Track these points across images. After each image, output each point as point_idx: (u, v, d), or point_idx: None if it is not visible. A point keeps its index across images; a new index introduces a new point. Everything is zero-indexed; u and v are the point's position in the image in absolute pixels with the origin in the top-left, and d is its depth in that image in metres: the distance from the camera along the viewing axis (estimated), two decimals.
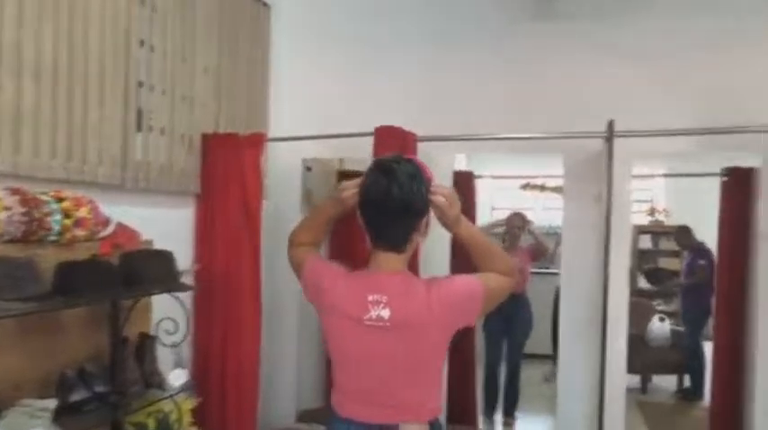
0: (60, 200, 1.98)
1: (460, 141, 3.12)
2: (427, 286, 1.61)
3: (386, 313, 1.58)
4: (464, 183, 4.22)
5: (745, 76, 2.99)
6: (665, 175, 6.16)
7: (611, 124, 2.61)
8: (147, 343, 2.20)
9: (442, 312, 1.57)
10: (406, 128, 2.71)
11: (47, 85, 2.03)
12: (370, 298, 1.60)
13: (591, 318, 2.95)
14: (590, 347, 3.01)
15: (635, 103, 3.07)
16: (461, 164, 6.42)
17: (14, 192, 1.85)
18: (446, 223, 1.67)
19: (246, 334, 2.86)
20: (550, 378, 5.06)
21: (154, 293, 2.17)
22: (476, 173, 7.24)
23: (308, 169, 3.73)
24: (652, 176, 6.26)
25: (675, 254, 5.96)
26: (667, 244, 6.20)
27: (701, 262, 4.96)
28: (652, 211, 6.65)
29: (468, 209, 4.28)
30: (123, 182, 2.37)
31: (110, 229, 2.23)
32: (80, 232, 2.04)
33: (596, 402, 2.79)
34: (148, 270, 2.12)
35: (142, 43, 2.46)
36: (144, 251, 2.19)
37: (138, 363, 2.14)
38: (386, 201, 1.59)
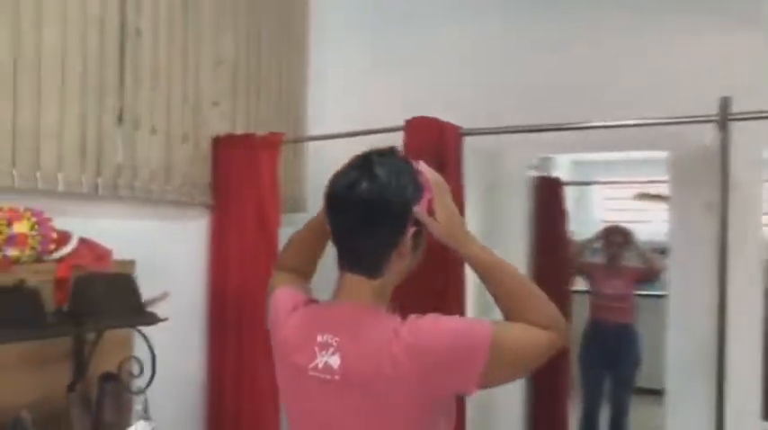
0: None
1: (527, 138, 2.48)
2: (395, 327, 1.06)
3: (335, 361, 1.09)
4: (547, 191, 3.56)
5: None
6: None
7: (724, 103, 1.89)
8: (106, 387, 1.78)
9: (412, 368, 1.02)
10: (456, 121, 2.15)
11: None
12: (319, 338, 1.12)
13: (705, 352, 2.20)
14: (706, 388, 2.24)
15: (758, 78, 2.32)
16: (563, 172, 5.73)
17: None
18: (439, 230, 1.11)
19: (262, 364, 2.39)
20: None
21: (93, 329, 1.73)
22: (582, 179, 6.54)
23: None
24: None
25: None
26: None
27: None
28: None
29: (556, 223, 3.62)
30: (94, 189, 1.98)
31: (69, 247, 1.84)
32: (15, 252, 1.66)
33: None
34: (98, 299, 1.71)
35: (123, 27, 2.07)
36: (94, 276, 1.77)
37: (90, 413, 1.72)
38: (349, 197, 1.10)
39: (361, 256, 1.13)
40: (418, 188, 1.12)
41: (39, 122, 1.81)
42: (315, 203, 2.96)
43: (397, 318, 1.09)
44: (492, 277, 1.12)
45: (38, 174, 1.81)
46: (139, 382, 1.82)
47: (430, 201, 1.14)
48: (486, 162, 2.81)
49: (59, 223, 1.83)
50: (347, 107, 3.00)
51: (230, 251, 2.45)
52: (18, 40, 1.75)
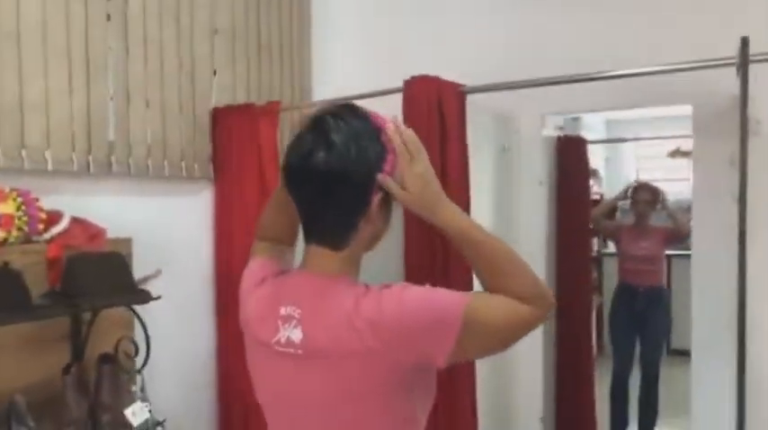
0: None
1: (542, 95, 2.34)
2: (358, 297, 0.98)
3: (297, 334, 1.01)
4: (571, 151, 3.40)
5: None
6: None
7: (743, 44, 1.73)
8: (103, 369, 1.75)
9: (376, 341, 0.94)
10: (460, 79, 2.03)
11: None
12: (282, 311, 1.04)
13: (729, 310, 2.07)
14: (729, 347, 2.13)
15: None
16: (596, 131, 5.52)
17: None
18: (409, 200, 1.02)
19: None
20: None
21: (81, 310, 1.69)
22: (614, 136, 6.30)
23: None
24: None
25: None
26: None
27: None
28: None
29: (579, 184, 3.48)
30: (85, 167, 1.94)
31: (60, 227, 1.81)
32: (0, 233, 1.63)
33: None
34: (89, 279, 1.67)
35: None
36: (86, 255, 1.73)
37: (86, 396, 1.70)
38: (305, 168, 1.01)
39: (324, 229, 1.04)
40: (381, 151, 1.01)
41: (22, 98, 1.76)
42: None
43: (362, 287, 1.01)
44: (469, 246, 1.03)
45: (23, 153, 1.77)
46: (138, 362, 1.78)
47: (393, 162, 1.04)
48: (498, 123, 2.68)
49: (50, 202, 1.79)
50: (353, 70, 2.89)
51: (234, 224, 2.39)
52: None
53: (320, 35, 2.95)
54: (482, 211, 2.49)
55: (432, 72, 2.01)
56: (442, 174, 1.98)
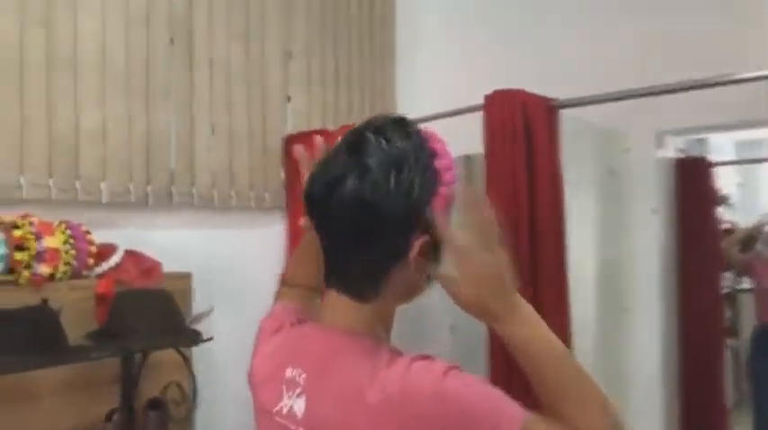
0: (14, 227, 1.50)
1: (649, 110, 2.00)
2: (377, 367, 0.74)
3: (299, 406, 0.79)
4: (692, 175, 2.97)
5: None
6: None
7: None
8: (150, 415, 1.62)
9: (389, 423, 0.70)
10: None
11: (10, 84, 1.58)
12: (288, 373, 0.82)
13: None
14: None
15: None
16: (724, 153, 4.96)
17: None
18: (461, 303, 0.76)
19: None
20: None
21: (119, 354, 1.56)
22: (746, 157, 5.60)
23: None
24: None
25: None
26: None
27: None
28: None
29: (704, 210, 3.03)
30: (143, 198, 1.84)
31: (112, 262, 1.71)
32: (46, 269, 1.54)
33: None
34: (134, 317, 1.54)
35: (171, 18, 1.92)
36: (131, 293, 1.61)
37: None
38: (332, 199, 0.77)
39: (347, 273, 0.81)
40: (432, 181, 0.77)
41: (77, 126, 1.70)
42: None
43: (385, 354, 0.76)
44: (535, 365, 0.75)
45: (77, 184, 1.69)
46: (180, 411, 1.63)
47: (447, 197, 0.79)
48: (603, 142, 2.35)
49: (105, 236, 1.70)
50: (439, 88, 2.66)
51: None
52: (52, 37, 1.64)
53: (404, 53, 2.76)
54: (584, 246, 2.17)
55: (528, 87, 1.74)
56: (530, 204, 1.71)
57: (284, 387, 0.81)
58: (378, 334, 0.82)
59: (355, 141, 0.79)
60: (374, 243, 0.77)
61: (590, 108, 1.82)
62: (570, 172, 1.84)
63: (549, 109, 1.76)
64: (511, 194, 1.71)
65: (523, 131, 1.71)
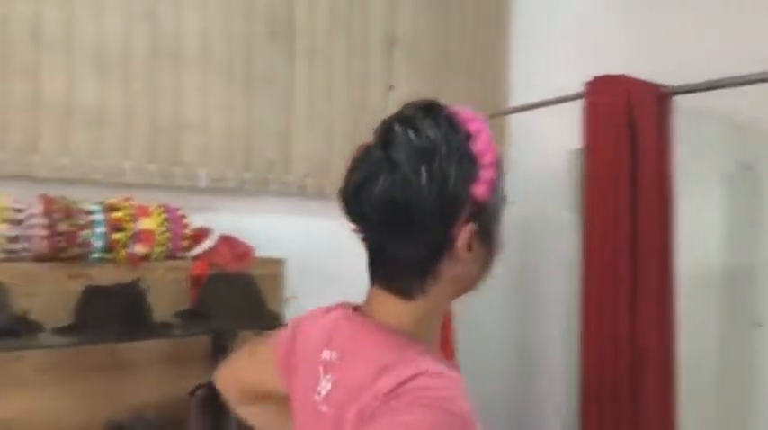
0: (114, 209, 1.62)
1: None
2: (395, 364, 0.71)
3: (327, 387, 0.79)
4: None
5: None
6: None
7: None
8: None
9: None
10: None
11: (117, 75, 1.69)
12: (325, 355, 0.81)
13: None
14: None
15: None
16: None
17: (43, 200, 1.54)
18: None
19: None
20: None
21: (195, 333, 1.63)
22: None
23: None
24: None
25: None
26: None
27: None
28: None
29: None
30: (241, 185, 1.91)
31: (206, 245, 1.79)
32: (142, 249, 1.64)
33: None
34: (219, 299, 1.60)
35: (273, 7, 1.96)
36: (219, 276, 1.67)
37: (211, 419, 1.63)
38: (361, 201, 0.75)
39: (391, 272, 0.77)
40: (470, 167, 0.72)
41: (179, 116, 1.79)
42: (524, 189, 2.59)
43: (418, 351, 0.73)
44: None
45: (177, 170, 1.79)
46: None
47: (490, 180, 0.73)
48: (732, 133, 2.07)
49: (202, 219, 1.79)
50: (557, 72, 2.49)
51: None
52: (156, 30, 1.74)
53: (519, 38, 2.62)
54: (710, 252, 1.94)
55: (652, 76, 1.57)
56: (632, 209, 1.55)
57: (321, 367, 0.80)
58: (420, 334, 0.77)
59: (384, 135, 0.75)
60: (413, 239, 0.74)
61: (718, 96, 1.61)
62: (691, 167, 1.64)
63: (660, 96, 1.58)
64: (611, 195, 1.56)
65: (627, 123, 1.55)
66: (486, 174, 0.73)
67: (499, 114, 2.26)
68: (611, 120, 1.56)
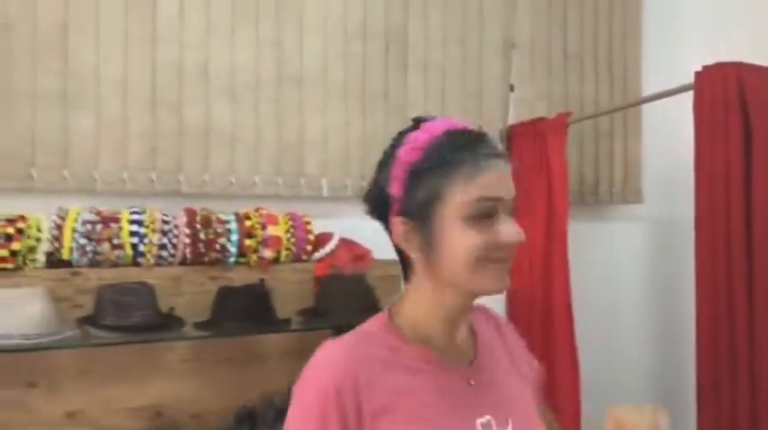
0: (246, 218, 1.84)
1: None
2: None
3: None
4: None
5: None
6: None
7: None
8: None
9: None
10: None
11: (247, 100, 1.92)
12: None
13: None
14: None
15: None
16: None
17: (187, 212, 1.80)
18: None
19: (564, 387, 2.10)
20: None
21: (311, 329, 1.78)
22: None
23: None
24: None
25: None
26: None
27: None
28: None
29: None
30: (359, 192, 2.04)
31: (328, 248, 1.96)
32: (270, 253, 1.85)
33: None
34: (334, 298, 1.76)
35: (387, 30, 2.08)
36: (335, 277, 1.83)
37: None
38: None
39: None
40: (390, 167, 0.83)
41: (302, 134, 1.98)
42: (654, 193, 2.46)
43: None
44: None
45: (302, 181, 1.98)
46: None
47: (401, 180, 0.82)
48: None
49: (324, 225, 1.96)
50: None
51: (520, 251, 2.21)
52: (281, 56, 1.94)
53: (651, 34, 2.50)
54: None
55: None
56: (746, 207, 1.45)
57: None
58: (404, 312, 0.86)
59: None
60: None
61: None
62: None
63: None
64: (722, 193, 1.47)
65: (738, 113, 1.45)
66: (396, 172, 0.82)
67: (625, 107, 2.19)
68: (720, 111, 1.47)
